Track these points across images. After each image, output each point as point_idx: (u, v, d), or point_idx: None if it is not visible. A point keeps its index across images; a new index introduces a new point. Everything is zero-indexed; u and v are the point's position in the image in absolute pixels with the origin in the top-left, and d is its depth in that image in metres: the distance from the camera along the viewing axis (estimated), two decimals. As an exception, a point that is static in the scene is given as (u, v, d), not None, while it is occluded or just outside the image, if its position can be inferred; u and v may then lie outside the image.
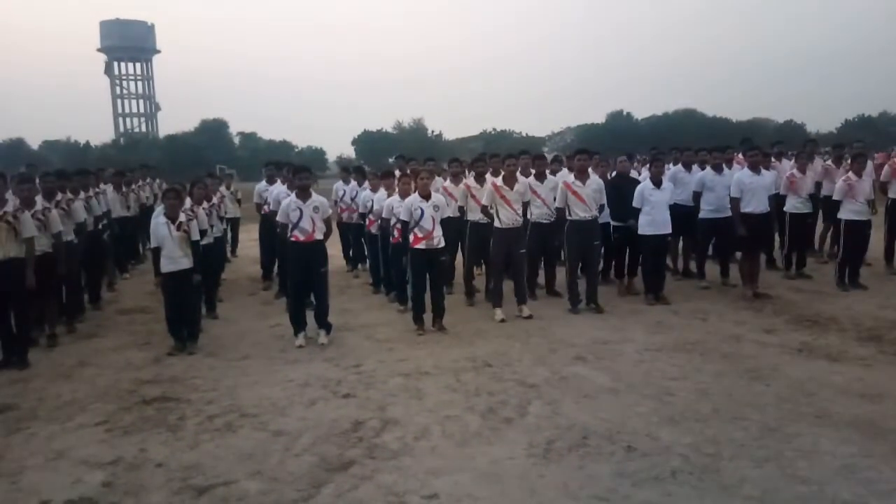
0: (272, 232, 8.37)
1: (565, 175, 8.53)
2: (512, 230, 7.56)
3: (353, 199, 10.25)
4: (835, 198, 8.74)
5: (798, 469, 3.88)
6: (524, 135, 68.24)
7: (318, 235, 6.85)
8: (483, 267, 8.82)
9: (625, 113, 66.51)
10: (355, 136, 67.38)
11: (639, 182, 8.44)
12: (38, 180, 7.63)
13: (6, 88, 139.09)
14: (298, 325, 6.94)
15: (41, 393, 5.61)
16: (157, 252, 6.75)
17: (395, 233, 7.96)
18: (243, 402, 5.25)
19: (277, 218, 7.09)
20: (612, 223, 8.66)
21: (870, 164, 9.62)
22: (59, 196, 7.73)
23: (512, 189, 7.54)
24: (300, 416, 4.95)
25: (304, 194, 6.87)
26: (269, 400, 5.27)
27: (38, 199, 7.08)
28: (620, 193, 8.28)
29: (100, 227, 9.06)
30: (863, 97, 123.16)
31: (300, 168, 7.41)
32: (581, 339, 6.64)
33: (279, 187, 9.08)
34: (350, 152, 65.64)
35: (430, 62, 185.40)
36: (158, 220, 6.78)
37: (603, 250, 8.60)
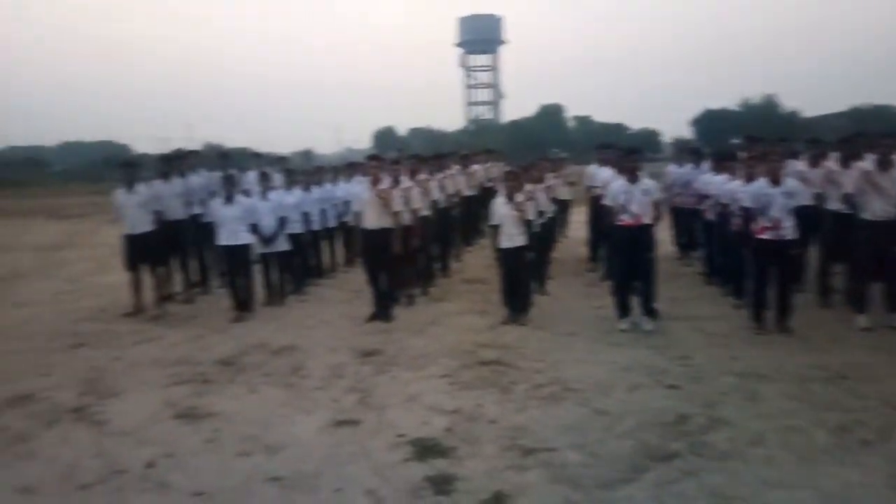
0: (601, 215, 8.43)
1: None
2: (885, 224, 6.38)
3: (688, 183, 9.75)
4: None
5: None
6: (907, 111, 56.61)
7: (647, 219, 6.69)
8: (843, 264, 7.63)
9: None
10: (695, 115, 63.66)
11: None
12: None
13: (379, 83, 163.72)
14: (623, 309, 6.91)
15: (401, 343, 6.57)
16: (495, 229, 7.35)
17: (736, 220, 7.35)
18: (568, 376, 5.44)
19: (604, 201, 7.10)
20: None
21: None
22: (420, 176, 8.88)
23: (888, 174, 6.35)
24: (622, 398, 4.95)
25: (632, 177, 6.77)
26: (592, 378, 5.37)
27: (404, 178, 8.24)
28: None
29: (450, 204, 10.17)
30: None
31: (630, 150, 7.32)
32: (977, 362, 5.36)
33: (608, 170, 9.11)
34: (688, 133, 62.27)
35: (784, 31, 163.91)
36: (499, 199, 7.36)
37: None
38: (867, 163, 6.62)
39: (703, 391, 5.02)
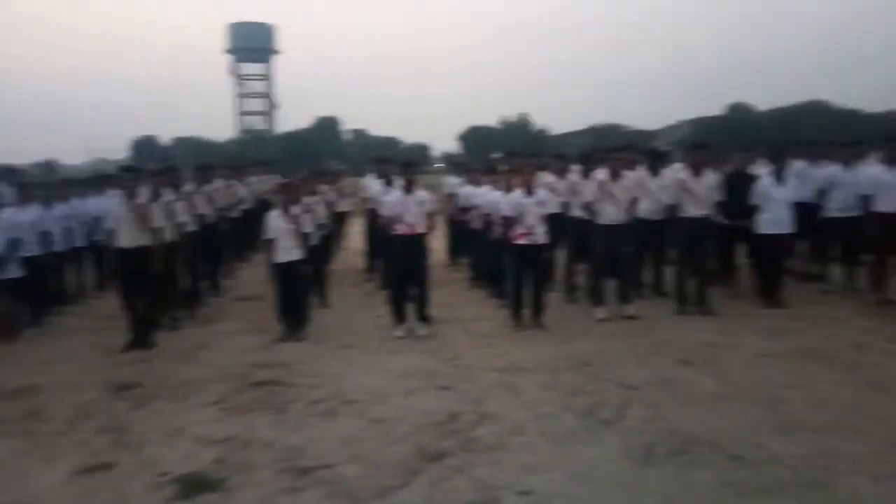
0: (376, 226, 8.59)
1: (678, 170, 8.19)
2: (615, 227, 7.35)
3: (457, 195, 10.31)
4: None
5: (927, 491, 3.54)
6: (634, 129, 65.88)
7: (421, 229, 6.99)
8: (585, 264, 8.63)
9: (745, 105, 62.60)
10: (461, 132, 67.73)
11: (757, 178, 7.96)
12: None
13: (137, 87, 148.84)
14: (399, 316, 7.11)
15: (164, 372, 6.05)
16: (270, 243, 7.12)
17: (498, 228, 7.93)
18: (345, 388, 5.43)
19: (382, 211, 7.29)
20: (727, 222, 8.18)
21: None
22: (184, 189, 8.29)
23: (617, 184, 7.34)
24: (398, 405, 5.06)
25: (409, 188, 7.04)
26: (370, 388, 5.42)
27: (167, 191, 7.63)
28: (736, 191, 7.84)
29: (218, 218, 9.63)
30: None
31: (406, 163, 7.61)
32: (686, 342, 6.37)
33: (380, 182, 9.30)
34: (456, 148, 66.03)
35: (537, 51, 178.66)
36: (273, 212, 7.15)
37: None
38: (602, 174, 7.56)
39: (471, 389, 5.32)
